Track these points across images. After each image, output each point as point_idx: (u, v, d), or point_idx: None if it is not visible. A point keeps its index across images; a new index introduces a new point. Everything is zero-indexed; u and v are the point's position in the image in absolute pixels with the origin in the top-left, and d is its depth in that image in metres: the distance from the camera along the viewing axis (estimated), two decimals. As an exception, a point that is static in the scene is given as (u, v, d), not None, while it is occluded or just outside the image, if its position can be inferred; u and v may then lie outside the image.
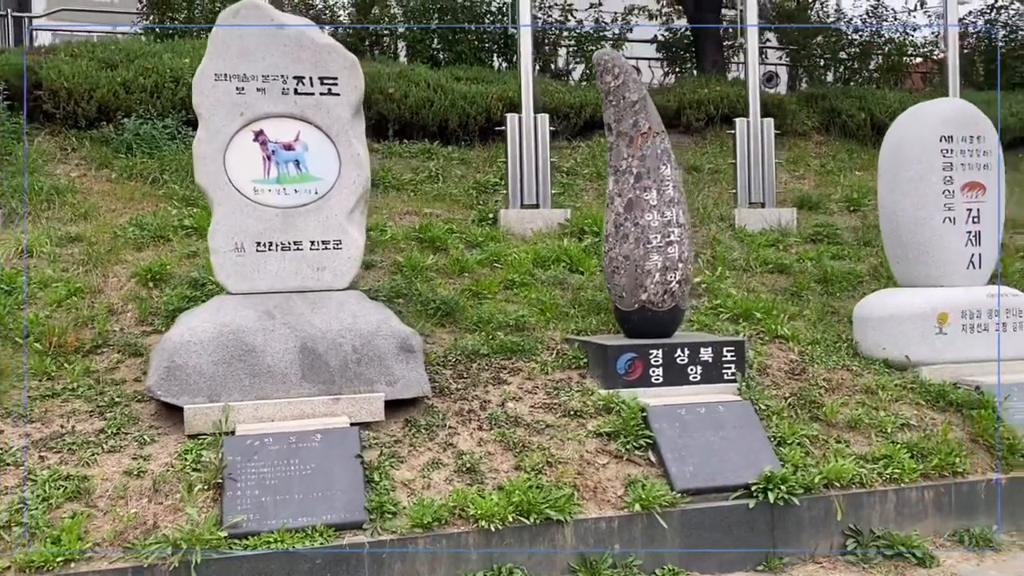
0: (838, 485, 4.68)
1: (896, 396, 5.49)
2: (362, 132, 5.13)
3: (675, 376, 5.25)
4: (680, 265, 5.38)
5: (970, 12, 13.20)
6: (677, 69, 12.59)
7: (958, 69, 8.97)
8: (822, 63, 12.79)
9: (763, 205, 8.37)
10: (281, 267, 4.94)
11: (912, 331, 5.77)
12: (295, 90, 4.92)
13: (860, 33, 12.92)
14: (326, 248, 5.01)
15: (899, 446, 5.00)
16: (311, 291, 4.99)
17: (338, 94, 4.98)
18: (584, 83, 11.74)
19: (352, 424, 4.54)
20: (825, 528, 4.60)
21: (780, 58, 13.30)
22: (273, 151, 4.93)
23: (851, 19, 13.38)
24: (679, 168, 5.49)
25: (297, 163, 4.96)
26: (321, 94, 4.96)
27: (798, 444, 4.93)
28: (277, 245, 4.94)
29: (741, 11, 8.69)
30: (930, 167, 5.90)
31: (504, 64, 11.58)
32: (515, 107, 8.17)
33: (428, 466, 4.45)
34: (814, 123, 11.22)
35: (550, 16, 11.97)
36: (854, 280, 7.28)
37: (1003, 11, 13.57)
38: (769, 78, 13.06)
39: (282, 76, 4.90)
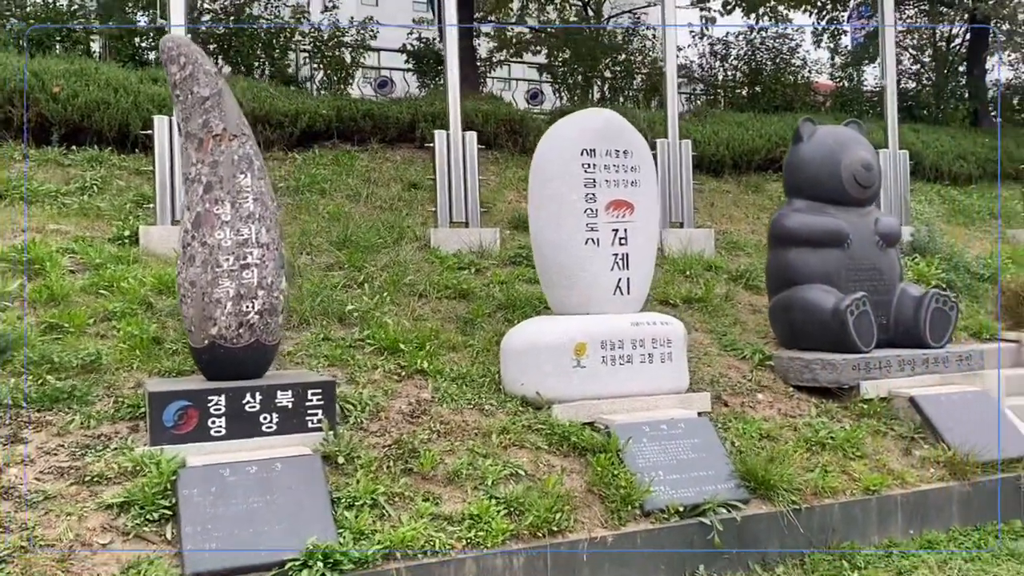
0: (405, 555, 3.93)
1: (516, 440, 4.83)
2: None
3: (244, 427, 4.37)
4: (260, 293, 4.53)
5: (727, 33, 13.26)
6: (428, 81, 11.92)
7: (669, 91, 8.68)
8: (583, 80, 12.47)
9: (466, 224, 7.73)
10: None
11: (548, 364, 5.15)
12: None
13: (624, 50, 12.71)
14: None
15: (496, 502, 4.33)
16: None
17: None
18: (323, 91, 10.89)
19: None
20: (381, 610, 3.84)
21: (541, 75, 12.93)
22: None
23: (613, 33, 13.22)
24: (265, 178, 4.64)
25: None
26: None
27: (372, 505, 4.16)
28: None
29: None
30: (571, 184, 5.34)
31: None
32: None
33: None
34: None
35: (279, 17, 11.04)
36: (539, 306, 6.68)
37: (762, 32, 13.75)
38: (534, 95, 12.65)
39: None
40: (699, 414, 5.31)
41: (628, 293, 5.48)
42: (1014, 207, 11.20)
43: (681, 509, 4.56)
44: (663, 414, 5.13)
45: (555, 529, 4.26)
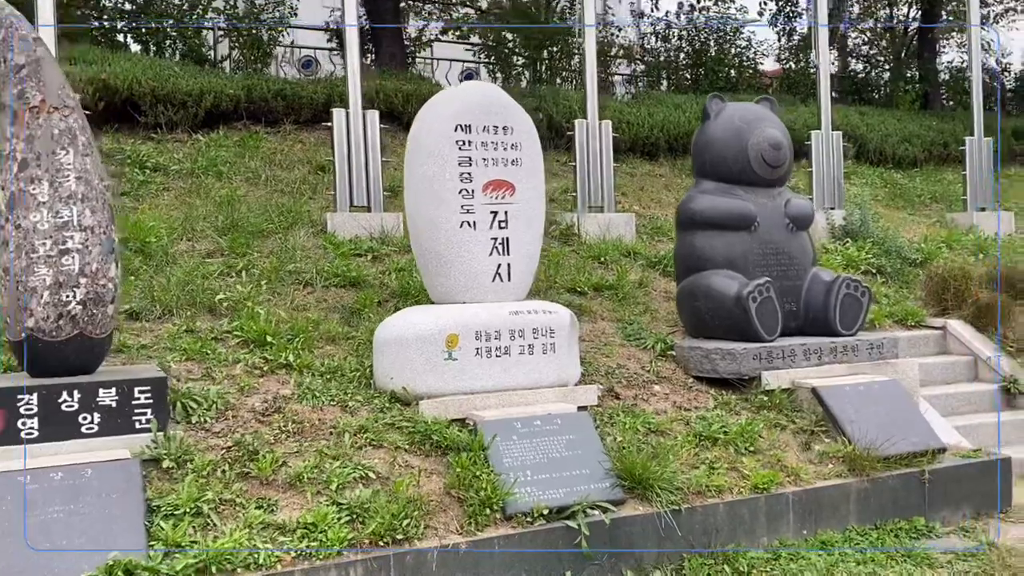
0: (221, 569, 3.56)
1: (374, 439, 4.46)
2: None
3: (60, 429, 3.97)
4: (83, 281, 4.12)
5: (667, 12, 12.90)
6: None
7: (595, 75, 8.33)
8: (521, 60, 12.08)
9: (368, 209, 7.33)
10: None
11: (418, 357, 4.78)
12: None
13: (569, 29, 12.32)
14: None
15: (339, 508, 3.96)
16: None
17: None
18: (239, 72, 10.41)
19: None
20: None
21: (475, 54, 12.51)
22: None
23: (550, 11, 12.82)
24: (92, 155, 4.22)
25: None
26: None
27: (196, 514, 3.79)
28: None
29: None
30: (444, 162, 4.96)
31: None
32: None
33: None
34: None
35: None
36: (435, 294, 6.32)
37: (704, 12, 13.41)
38: (469, 76, 12.26)
39: None
40: (580, 408, 4.96)
41: (509, 280, 5.12)
42: (956, 191, 10.95)
43: (547, 511, 4.21)
44: (539, 409, 4.78)
45: (401, 537, 3.90)
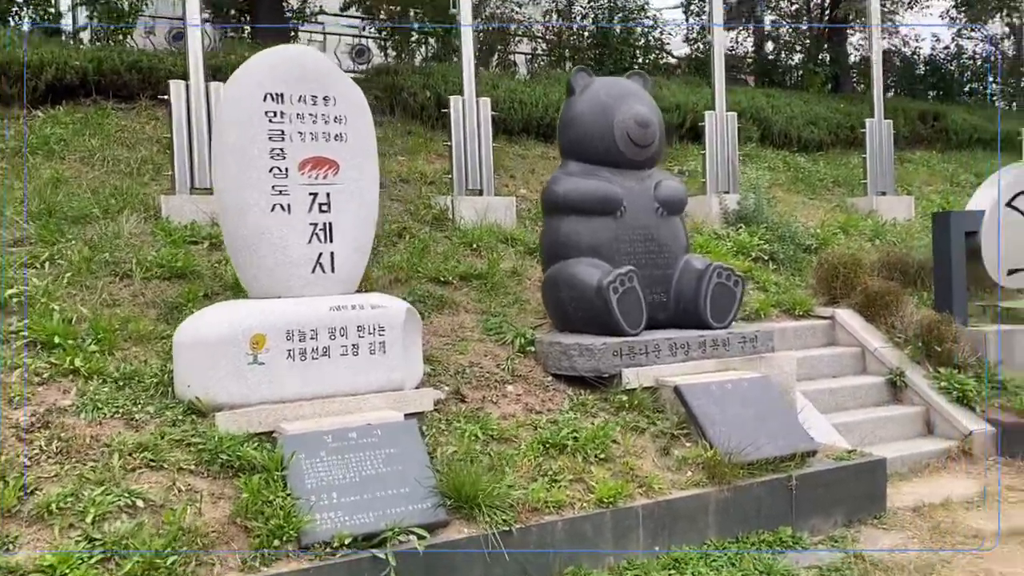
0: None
1: (153, 459, 3.84)
2: None
3: None
4: None
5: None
6: (231, 32, 10.70)
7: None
8: (414, 37, 11.42)
9: (211, 191, 6.63)
10: None
11: (219, 361, 4.15)
12: None
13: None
14: None
15: (92, 544, 3.34)
16: None
17: None
18: (97, 43, 9.55)
19: None
20: None
21: (363, 29, 11.81)
22: None
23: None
24: None
25: None
26: None
27: (-98, 560, 3.14)
28: None
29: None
30: (252, 135, 4.33)
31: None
32: None
33: None
34: (372, 101, 9.72)
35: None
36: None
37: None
38: (360, 52, 11.54)
39: None
40: (410, 416, 4.42)
41: (332, 271, 4.53)
42: (859, 175, 10.69)
43: (352, 540, 3.65)
44: (358, 419, 4.22)
45: (164, 577, 3.31)
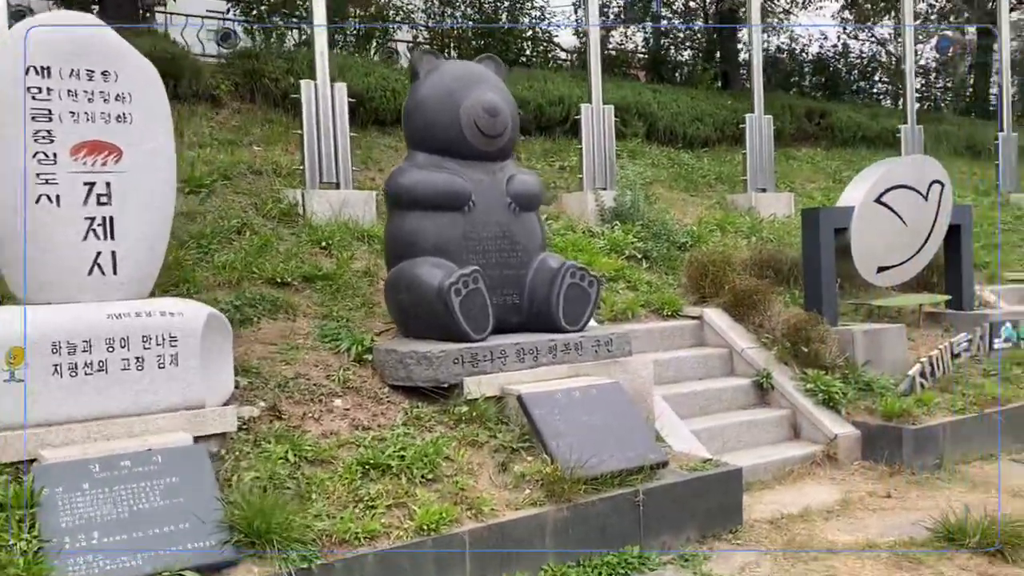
0: None
1: None
2: None
3: None
4: None
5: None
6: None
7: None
8: (282, 22, 10.76)
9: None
10: None
11: (-34, 379, 3.55)
12: None
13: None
14: None
15: None
16: None
17: None
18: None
19: None
20: None
21: (228, 11, 11.10)
22: None
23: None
24: None
25: None
26: None
27: None
28: None
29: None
30: (11, 115, 3.72)
31: None
32: None
33: None
34: (231, 87, 9.09)
35: None
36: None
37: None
38: (225, 36, 10.82)
39: None
40: (204, 438, 3.88)
41: (114, 273, 3.94)
42: (739, 171, 10.57)
43: (110, 589, 3.12)
44: (138, 444, 3.66)
45: None
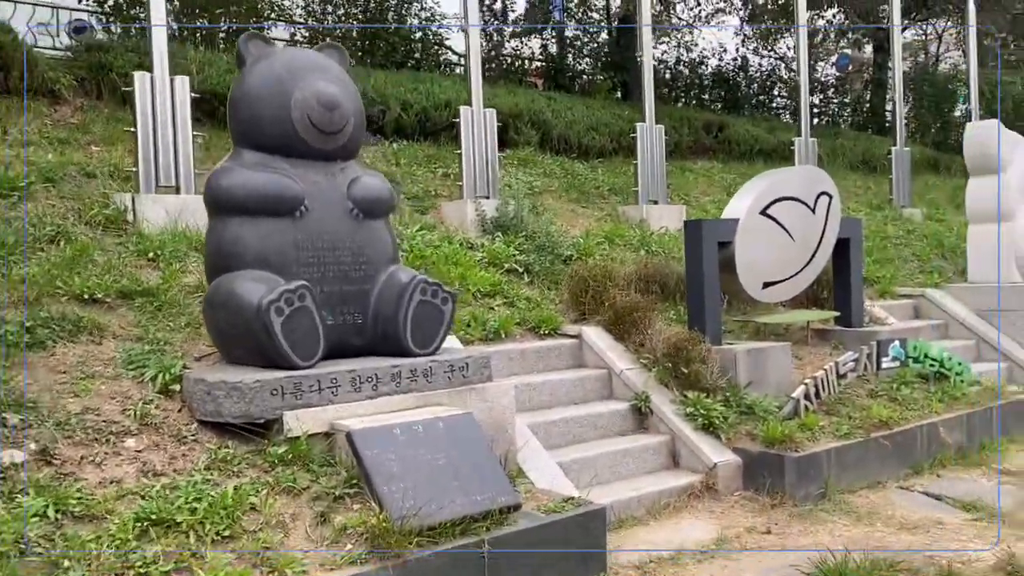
0: None
1: None
2: None
3: None
4: None
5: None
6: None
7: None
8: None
9: None
10: None
11: None
12: None
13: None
14: None
15: None
16: None
17: None
18: None
19: None
20: None
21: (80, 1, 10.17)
22: None
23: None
24: None
25: None
26: None
27: None
28: None
29: None
30: None
31: None
32: None
33: None
34: (74, 83, 8.19)
35: None
36: None
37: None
38: (79, 29, 9.87)
39: None
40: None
41: None
42: (630, 182, 10.18)
43: None
44: None
45: None
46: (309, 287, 4.27)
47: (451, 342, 5.48)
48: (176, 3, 10.84)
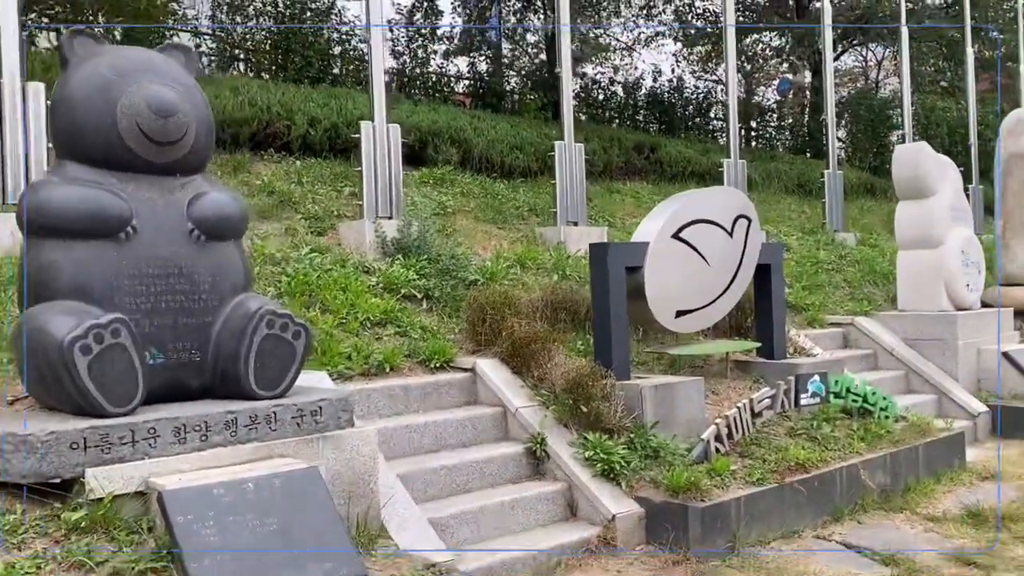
0: None
1: None
2: None
3: None
4: None
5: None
6: None
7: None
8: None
9: None
10: None
11: None
12: None
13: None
14: None
15: None
16: None
17: None
18: None
19: None
20: None
21: None
22: None
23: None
24: None
25: None
26: None
27: None
28: None
29: None
30: None
31: None
32: None
33: None
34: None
35: None
36: None
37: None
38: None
39: None
40: None
41: None
42: (550, 203, 9.72)
43: None
44: None
45: None
46: (125, 320, 3.66)
47: (319, 380, 4.90)
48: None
